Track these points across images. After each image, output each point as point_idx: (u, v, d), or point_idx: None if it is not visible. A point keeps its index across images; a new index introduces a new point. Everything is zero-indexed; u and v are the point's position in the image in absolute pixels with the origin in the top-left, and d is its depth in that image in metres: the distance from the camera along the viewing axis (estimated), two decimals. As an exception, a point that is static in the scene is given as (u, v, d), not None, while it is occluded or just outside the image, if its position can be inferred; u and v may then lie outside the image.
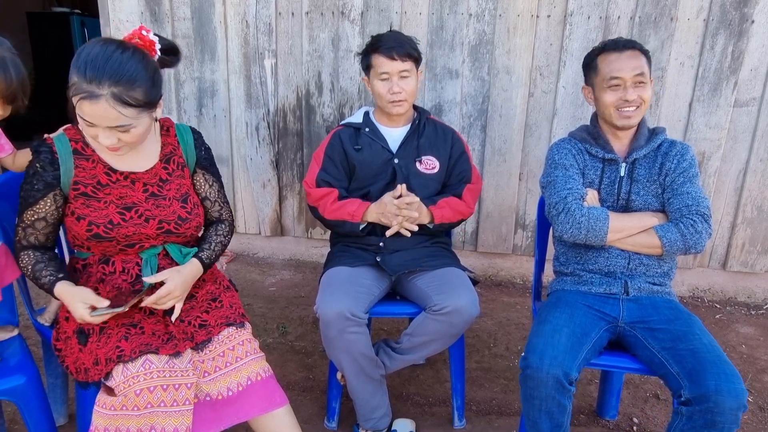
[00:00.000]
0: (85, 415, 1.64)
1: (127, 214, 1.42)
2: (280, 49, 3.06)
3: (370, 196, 1.94)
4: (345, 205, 1.88)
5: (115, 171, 1.44)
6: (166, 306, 1.42)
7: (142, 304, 1.41)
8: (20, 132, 6.81)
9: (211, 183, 1.62)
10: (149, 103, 1.32)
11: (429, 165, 1.95)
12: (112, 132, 1.29)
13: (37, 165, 1.39)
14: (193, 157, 1.57)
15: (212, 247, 1.60)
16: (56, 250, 1.81)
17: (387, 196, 1.85)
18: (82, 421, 1.65)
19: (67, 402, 1.93)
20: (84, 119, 1.28)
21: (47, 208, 1.41)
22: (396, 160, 1.93)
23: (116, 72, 1.24)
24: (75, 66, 1.25)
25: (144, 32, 1.35)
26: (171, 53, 1.45)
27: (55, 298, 1.43)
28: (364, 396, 1.83)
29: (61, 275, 1.42)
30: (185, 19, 3.09)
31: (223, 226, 1.66)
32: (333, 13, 2.96)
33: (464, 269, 1.96)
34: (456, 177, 1.98)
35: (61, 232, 1.84)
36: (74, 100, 1.25)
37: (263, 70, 3.11)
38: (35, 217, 1.42)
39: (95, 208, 1.41)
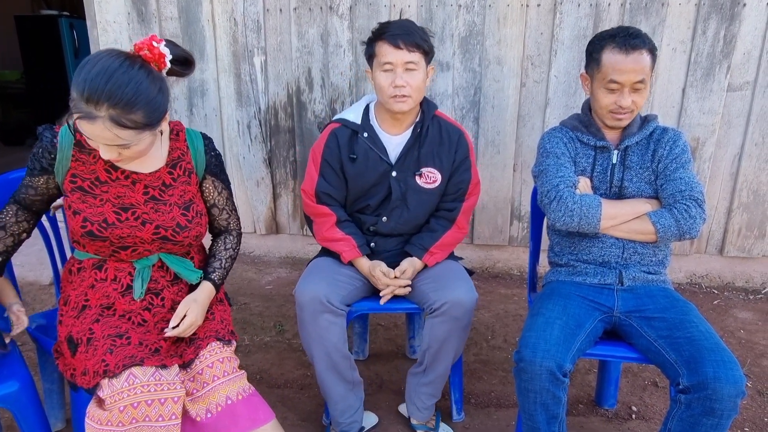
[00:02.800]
0: (80, 419, 1.62)
1: (123, 214, 1.40)
2: (269, 46, 3.04)
3: (368, 210, 1.88)
4: (339, 242, 1.84)
5: (116, 169, 1.41)
6: (188, 333, 1.44)
7: (167, 334, 1.41)
8: (14, 137, 6.81)
9: (220, 190, 1.57)
10: (149, 124, 1.26)
11: (429, 179, 1.83)
12: (113, 148, 1.27)
13: (38, 149, 1.39)
14: (202, 163, 1.52)
15: (223, 265, 1.58)
16: (56, 247, 1.85)
17: (378, 271, 1.80)
18: (78, 425, 1.65)
19: (64, 407, 1.92)
20: (83, 134, 1.26)
21: (40, 184, 1.43)
22: (394, 173, 1.82)
23: (115, 94, 1.19)
24: (75, 82, 1.20)
25: (155, 43, 1.27)
26: (183, 64, 1.37)
27: None
28: (334, 396, 1.80)
29: None
30: (172, 19, 3.06)
31: (231, 237, 1.63)
32: (321, 8, 2.93)
33: (457, 259, 1.95)
34: (453, 187, 1.87)
35: (63, 231, 1.83)
36: (71, 116, 1.22)
37: (253, 68, 3.08)
38: (30, 184, 1.44)
39: (91, 204, 1.38)
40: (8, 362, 1.52)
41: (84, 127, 1.22)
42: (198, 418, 1.36)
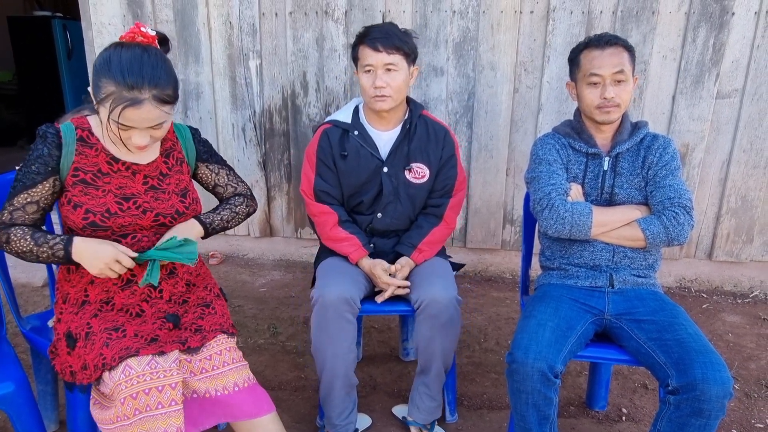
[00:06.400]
0: (75, 420, 1.64)
1: (125, 204, 1.43)
2: (264, 50, 3.06)
3: (362, 207, 1.92)
4: (344, 242, 1.88)
5: (117, 161, 1.44)
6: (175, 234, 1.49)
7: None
8: (6, 137, 6.76)
9: (216, 171, 1.66)
10: (177, 96, 1.39)
11: (418, 174, 1.88)
12: (147, 131, 1.35)
13: (45, 149, 1.37)
14: (193, 151, 1.59)
15: (218, 211, 1.61)
16: None
17: (379, 269, 1.84)
18: (73, 426, 1.65)
19: (58, 408, 1.92)
20: (124, 124, 1.31)
21: (44, 192, 1.40)
22: (385, 169, 1.87)
23: (152, 75, 1.30)
24: (109, 76, 1.28)
25: (143, 29, 1.37)
26: (163, 43, 1.46)
27: (67, 260, 1.37)
28: (336, 398, 1.81)
29: (68, 236, 1.39)
30: (168, 22, 3.07)
31: (238, 198, 1.68)
32: (317, 12, 2.95)
33: (447, 257, 1.99)
34: (440, 184, 1.92)
35: (58, 229, 1.82)
36: (115, 109, 1.28)
37: (248, 71, 3.10)
38: (28, 200, 1.39)
39: (93, 196, 1.40)
40: (3, 363, 1.53)
41: (129, 114, 1.29)
42: (207, 395, 1.40)
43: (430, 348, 1.78)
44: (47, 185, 1.40)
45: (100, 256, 1.36)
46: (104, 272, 1.38)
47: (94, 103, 1.33)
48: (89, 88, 1.36)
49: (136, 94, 1.28)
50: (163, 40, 1.45)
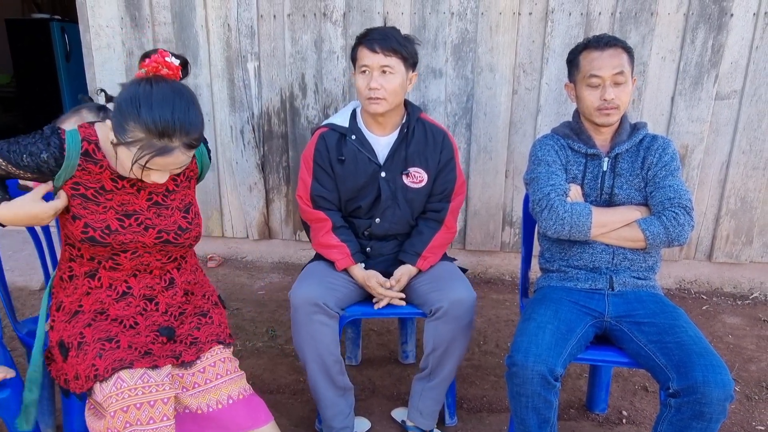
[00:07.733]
0: (71, 425, 1.63)
1: (126, 221, 1.39)
2: (262, 52, 3.05)
3: (360, 213, 1.90)
4: (334, 249, 1.86)
5: (122, 178, 1.39)
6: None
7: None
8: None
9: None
10: (202, 136, 1.33)
11: (417, 178, 1.87)
12: (168, 170, 1.31)
13: (44, 154, 1.32)
14: (207, 164, 1.58)
15: None
16: (47, 251, 1.83)
17: (374, 281, 1.83)
18: (69, 431, 1.64)
19: (54, 413, 1.91)
20: (149, 168, 1.26)
21: (18, 173, 1.35)
22: (383, 173, 1.86)
23: (184, 123, 1.23)
24: (138, 121, 1.20)
25: (167, 59, 1.29)
26: (184, 67, 1.37)
27: None
28: (325, 401, 1.81)
29: (7, 197, 1.36)
30: (166, 24, 3.07)
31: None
32: (315, 14, 2.95)
33: (451, 260, 1.98)
34: (440, 187, 1.90)
35: (54, 234, 1.81)
36: (143, 157, 1.22)
37: (246, 73, 3.09)
38: (2, 165, 1.33)
39: (93, 211, 1.37)
40: (-1, 368, 1.51)
41: (158, 161, 1.24)
42: (199, 411, 1.38)
43: (450, 350, 1.77)
44: (27, 175, 1.36)
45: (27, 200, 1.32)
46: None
47: (116, 141, 1.25)
48: (111, 123, 1.27)
49: (167, 143, 1.22)
50: (184, 63, 1.37)
